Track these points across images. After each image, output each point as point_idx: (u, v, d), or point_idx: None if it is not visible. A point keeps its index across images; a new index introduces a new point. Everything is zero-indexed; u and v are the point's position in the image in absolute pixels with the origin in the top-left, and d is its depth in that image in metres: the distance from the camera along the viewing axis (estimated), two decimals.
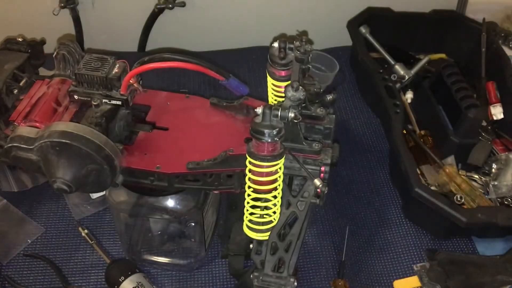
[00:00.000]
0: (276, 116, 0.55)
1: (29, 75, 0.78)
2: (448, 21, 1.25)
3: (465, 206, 0.92)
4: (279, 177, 0.60)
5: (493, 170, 1.00)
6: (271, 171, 0.59)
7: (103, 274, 0.84)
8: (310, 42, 0.68)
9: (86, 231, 0.90)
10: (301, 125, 0.66)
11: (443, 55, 1.27)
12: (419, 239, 0.93)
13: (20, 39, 0.88)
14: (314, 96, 0.72)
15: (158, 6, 1.27)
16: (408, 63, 1.19)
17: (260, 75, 1.24)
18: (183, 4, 1.27)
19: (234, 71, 1.23)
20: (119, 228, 0.89)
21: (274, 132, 0.55)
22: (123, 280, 0.80)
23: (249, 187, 0.61)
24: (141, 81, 0.71)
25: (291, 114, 0.55)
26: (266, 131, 0.55)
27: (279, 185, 0.61)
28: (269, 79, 0.69)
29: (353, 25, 1.21)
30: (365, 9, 1.24)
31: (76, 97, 0.70)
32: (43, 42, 0.95)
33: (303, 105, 0.64)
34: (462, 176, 0.97)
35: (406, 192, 0.90)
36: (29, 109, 0.72)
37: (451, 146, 1.01)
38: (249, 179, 0.60)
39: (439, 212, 0.85)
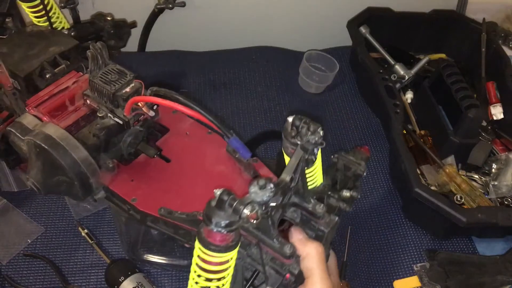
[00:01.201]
0: (231, 206, 0.47)
1: (72, 63, 0.76)
2: (448, 21, 1.25)
3: (465, 206, 0.92)
4: (228, 267, 0.52)
5: (493, 170, 1.00)
6: (216, 262, 0.51)
7: (103, 274, 0.84)
8: (319, 135, 0.58)
9: (86, 231, 0.90)
10: (297, 213, 0.58)
11: (443, 55, 1.27)
12: (419, 239, 0.93)
13: (108, 18, 0.89)
14: (352, 179, 0.63)
15: (158, 6, 1.27)
16: (408, 63, 1.19)
17: (260, 75, 1.24)
18: (183, 4, 1.27)
19: (234, 71, 1.25)
20: (119, 228, 0.89)
21: (222, 223, 0.47)
22: (123, 280, 0.80)
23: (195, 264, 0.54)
24: (155, 107, 0.69)
25: (246, 212, 0.47)
26: (214, 220, 0.47)
27: (226, 275, 0.53)
28: (283, 152, 0.62)
29: (353, 25, 1.21)
30: (365, 9, 1.24)
31: (88, 101, 0.70)
32: (132, 25, 0.95)
33: (290, 197, 0.55)
34: (462, 176, 0.97)
35: (406, 192, 0.90)
36: (46, 98, 0.71)
37: (451, 146, 1.01)
38: (197, 256, 0.53)
39: (439, 212, 0.85)
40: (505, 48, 1.19)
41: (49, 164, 0.63)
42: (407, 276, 0.88)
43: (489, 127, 1.07)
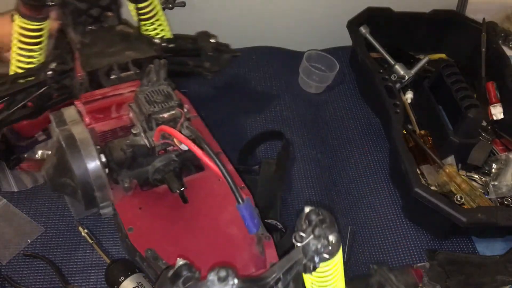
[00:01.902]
0: (184, 285, 0.42)
1: (142, 72, 0.74)
2: (448, 21, 1.25)
3: (465, 206, 0.92)
4: None
5: (493, 170, 1.00)
6: None
7: (103, 274, 0.84)
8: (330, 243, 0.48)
9: (86, 231, 0.90)
10: None
11: (443, 55, 1.27)
12: (419, 239, 0.93)
13: (212, 40, 0.93)
14: None
15: None
16: (408, 63, 1.19)
17: (260, 75, 1.24)
18: (183, 4, 1.26)
19: (234, 71, 1.24)
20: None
21: None
22: (123, 280, 0.80)
23: None
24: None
25: None
26: None
27: None
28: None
29: (353, 25, 1.21)
30: (365, 9, 1.24)
31: (130, 114, 0.68)
32: (235, 54, 1.00)
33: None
34: (462, 176, 0.97)
35: (406, 192, 0.90)
36: (98, 98, 0.70)
37: (451, 146, 1.01)
38: None
39: (439, 212, 0.85)
40: (505, 48, 1.19)
41: (62, 163, 0.61)
42: None
43: (489, 127, 1.07)
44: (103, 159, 0.62)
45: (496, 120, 1.08)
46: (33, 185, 0.97)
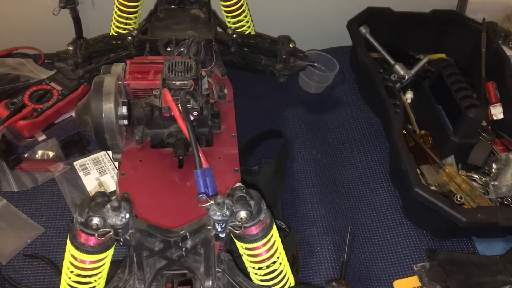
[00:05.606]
0: (89, 209, 0.46)
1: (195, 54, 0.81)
2: (448, 21, 1.25)
3: (465, 206, 0.92)
4: (79, 267, 0.52)
5: (493, 170, 1.00)
6: (70, 253, 0.50)
7: None
8: None
9: None
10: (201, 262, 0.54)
11: (443, 55, 1.27)
12: (419, 239, 0.93)
13: (291, 45, 1.01)
14: None
15: None
16: (408, 63, 1.19)
17: (259, 75, 1.24)
18: None
19: (234, 71, 1.24)
20: None
21: (79, 219, 0.45)
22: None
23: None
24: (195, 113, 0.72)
25: (95, 221, 0.46)
26: (77, 210, 0.46)
27: (79, 273, 0.52)
28: None
29: (353, 25, 1.21)
30: (365, 9, 1.24)
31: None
32: (312, 63, 1.04)
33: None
34: (462, 176, 0.97)
35: (406, 192, 0.90)
36: (145, 62, 0.79)
37: (451, 146, 1.01)
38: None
39: (439, 212, 0.85)
40: (505, 48, 1.19)
41: (88, 102, 0.68)
42: (407, 276, 0.88)
43: (489, 127, 1.07)
44: (124, 111, 0.70)
45: (496, 120, 1.08)
46: (33, 185, 0.97)
